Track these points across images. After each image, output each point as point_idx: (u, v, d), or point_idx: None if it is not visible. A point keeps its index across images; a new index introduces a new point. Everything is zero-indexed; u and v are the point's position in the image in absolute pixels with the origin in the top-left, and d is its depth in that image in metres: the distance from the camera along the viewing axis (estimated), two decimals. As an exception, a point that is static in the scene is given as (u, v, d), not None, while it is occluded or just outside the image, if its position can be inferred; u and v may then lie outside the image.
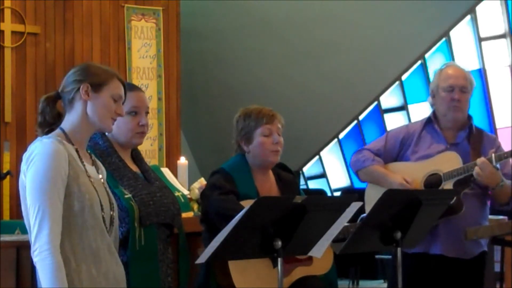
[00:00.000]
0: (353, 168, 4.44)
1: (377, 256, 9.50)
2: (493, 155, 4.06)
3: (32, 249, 2.69)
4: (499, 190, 4.10)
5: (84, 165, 2.85)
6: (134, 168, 3.52)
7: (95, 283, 2.77)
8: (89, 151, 3.02)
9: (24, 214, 2.80)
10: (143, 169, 3.57)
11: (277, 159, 3.97)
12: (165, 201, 3.49)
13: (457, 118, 4.25)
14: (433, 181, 4.18)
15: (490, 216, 4.47)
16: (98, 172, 2.95)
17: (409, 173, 4.22)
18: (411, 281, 3.92)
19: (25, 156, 2.79)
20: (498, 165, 4.08)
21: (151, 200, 3.41)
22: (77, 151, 2.85)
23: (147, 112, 3.55)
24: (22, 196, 2.80)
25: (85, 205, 2.77)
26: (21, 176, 2.80)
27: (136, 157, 3.61)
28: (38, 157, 2.73)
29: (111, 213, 2.90)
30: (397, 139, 4.35)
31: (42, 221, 2.67)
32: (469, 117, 4.31)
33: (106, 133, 3.47)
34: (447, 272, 4.17)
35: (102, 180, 2.95)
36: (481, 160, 4.05)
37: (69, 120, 2.89)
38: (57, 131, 2.87)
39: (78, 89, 2.87)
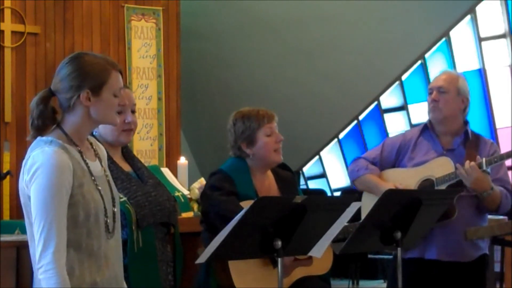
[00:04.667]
0: (350, 178, 4.49)
1: (377, 256, 9.49)
2: (483, 159, 4.05)
3: (37, 266, 2.62)
4: (486, 196, 4.08)
5: (87, 165, 2.77)
6: (126, 167, 3.49)
7: None
8: (88, 139, 2.88)
9: (26, 222, 2.74)
10: (135, 168, 3.54)
11: (281, 159, 3.99)
12: (160, 200, 3.47)
13: (436, 119, 4.24)
14: (426, 186, 4.18)
15: (490, 216, 4.45)
16: (101, 165, 2.86)
17: (403, 179, 4.23)
18: (409, 286, 3.90)
19: (26, 164, 2.69)
20: (489, 170, 4.06)
21: (146, 201, 3.39)
22: (80, 152, 2.76)
23: (133, 111, 3.51)
24: (24, 204, 2.73)
25: (90, 214, 2.71)
26: (22, 183, 2.71)
27: (128, 155, 3.57)
28: (42, 171, 2.63)
29: (114, 209, 2.83)
30: (393, 147, 4.36)
31: (48, 238, 2.61)
32: (465, 123, 4.30)
33: (94, 133, 3.43)
34: (445, 276, 4.15)
35: (105, 172, 2.86)
36: (468, 163, 4.04)
37: (70, 121, 2.77)
38: (58, 132, 2.76)
39: (78, 96, 2.72)
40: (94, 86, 2.74)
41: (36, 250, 2.65)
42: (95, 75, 2.75)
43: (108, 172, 2.90)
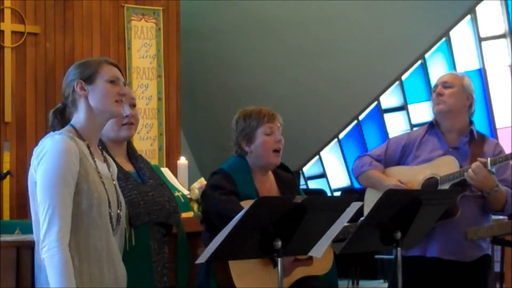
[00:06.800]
0: (354, 174, 4.50)
1: (377, 256, 9.49)
2: (488, 159, 4.05)
3: (41, 245, 2.68)
4: (493, 195, 4.08)
5: (95, 162, 2.85)
6: (128, 167, 3.49)
7: (96, 284, 2.76)
8: (100, 147, 3.01)
9: (32, 210, 2.79)
10: (138, 168, 3.54)
11: (278, 161, 3.97)
12: (159, 200, 3.45)
13: (441, 111, 4.25)
14: (430, 184, 4.18)
15: (493, 217, 4.45)
16: (109, 170, 2.94)
17: (407, 177, 4.23)
18: (410, 284, 3.90)
19: (35, 151, 2.79)
20: (494, 170, 4.06)
21: (141, 200, 3.37)
22: (88, 147, 2.85)
23: (133, 105, 3.51)
24: (31, 192, 2.79)
25: (93, 204, 2.77)
26: (31, 171, 2.79)
27: (132, 155, 3.58)
28: (49, 154, 2.73)
29: (118, 211, 2.90)
30: (398, 146, 4.36)
31: (52, 218, 2.67)
32: (470, 122, 4.31)
33: None
34: (446, 275, 4.15)
35: (112, 177, 2.94)
36: (475, 164, 4.03)
37: (77, 118, 2.90)
38: (68, 127, 2.88)
39: (74, 89, 2.89)
40: (86, 76, 2.90)
41: (40, 231, 2.69)
42: (86, 67, 2.92)
43: (116, 180, 2.97)
